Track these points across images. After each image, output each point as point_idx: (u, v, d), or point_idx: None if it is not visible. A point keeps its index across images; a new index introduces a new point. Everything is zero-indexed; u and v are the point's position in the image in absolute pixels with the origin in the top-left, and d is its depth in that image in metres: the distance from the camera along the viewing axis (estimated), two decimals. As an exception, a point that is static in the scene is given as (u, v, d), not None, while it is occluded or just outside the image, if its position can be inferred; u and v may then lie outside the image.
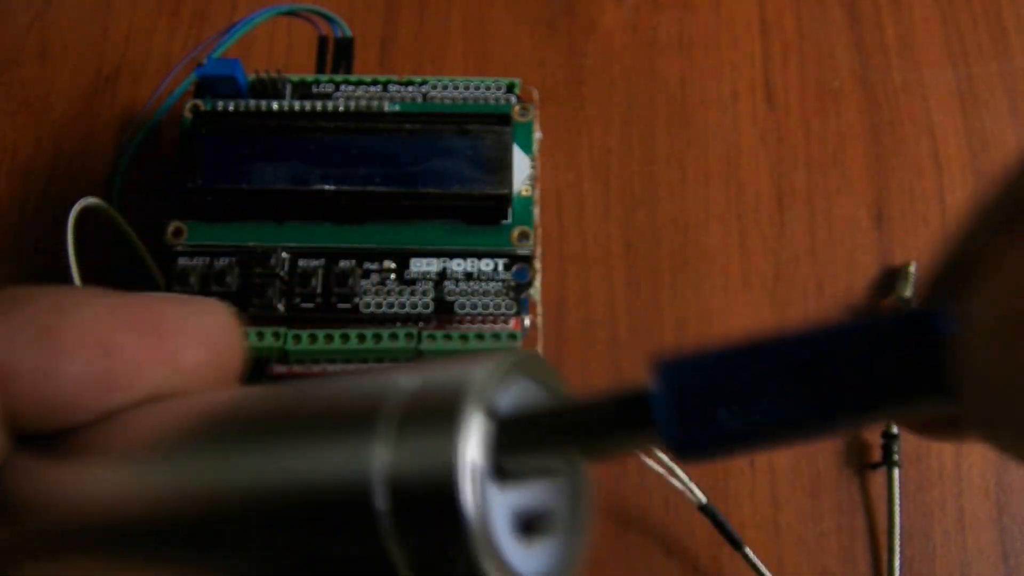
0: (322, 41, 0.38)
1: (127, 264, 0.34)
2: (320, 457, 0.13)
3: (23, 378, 0.13)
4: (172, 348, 0.14)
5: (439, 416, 0.12)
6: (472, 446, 0.12)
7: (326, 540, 0.13)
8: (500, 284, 0.32)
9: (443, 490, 0.12)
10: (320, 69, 0.37)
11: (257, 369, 0.31)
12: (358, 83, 0.35)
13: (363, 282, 0.32)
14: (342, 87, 0.35)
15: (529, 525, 0.13)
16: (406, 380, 0.13)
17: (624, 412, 0.13)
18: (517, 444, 0.13)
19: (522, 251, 0.32)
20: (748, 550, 0.32)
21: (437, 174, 0.32)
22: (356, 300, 0.31)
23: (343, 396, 0.14)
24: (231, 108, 0.34)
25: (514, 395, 0.13)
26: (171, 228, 0.32)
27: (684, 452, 0.13)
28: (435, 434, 0.12)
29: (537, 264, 0.32)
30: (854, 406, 0.12)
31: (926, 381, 0.12)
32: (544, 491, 0.14)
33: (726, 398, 0.12)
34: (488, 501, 0.12)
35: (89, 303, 0.13)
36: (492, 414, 0.13)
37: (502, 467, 0.13)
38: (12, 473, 0.14)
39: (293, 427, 0.14)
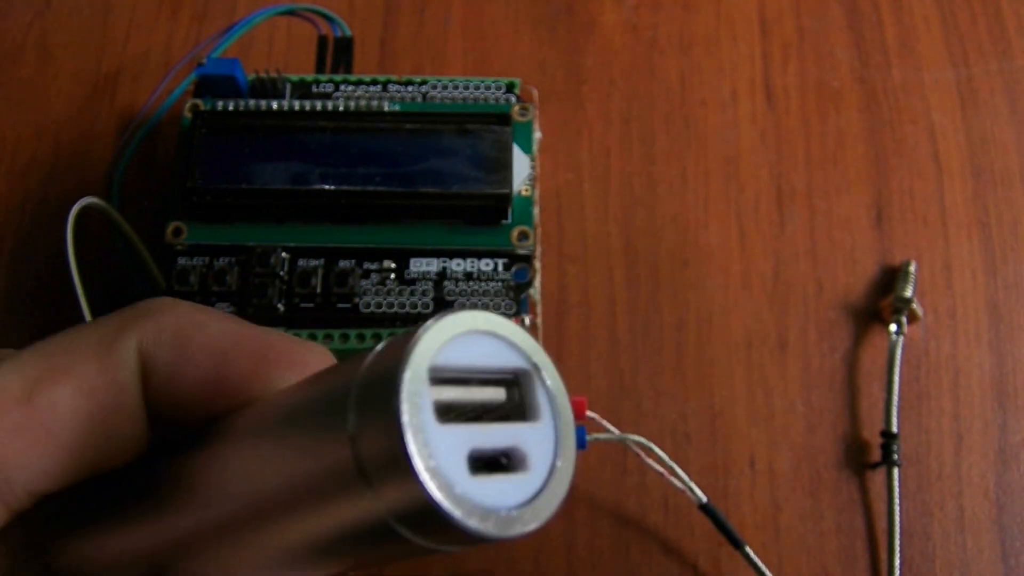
0: (322, 41, 0.38)
1: (127, 264, 0.34)
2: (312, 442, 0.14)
3: (158, 372, 0.16)
4: (271, 372, 0.16)
5: (383, 381, 0.13)
6: (405, 399, 0.13)
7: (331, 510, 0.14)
8: (500, 284, 0.32)
9: (391, 434, 0.13)
10: (320, 69, 0.37)
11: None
12: (358, 83, 0.35)
13: (363, 282, 0.32)
14: (342, 87, 0.35)
15: (502, 463, 0.14)
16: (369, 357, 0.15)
17: None
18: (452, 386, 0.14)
19: (522, 251, 0.32)
20: (748, 549, 0.32)
21: (437, 174, 0.32)
22: (356, 300, 0.31)
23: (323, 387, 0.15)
24: (231, 108, 0.34)
25: (464, 347, 0.15)
26: (171, 228, 0.32)
27: None
28: (379, 395, 0.14)
29: (537, 264, 0.32)
30: None
31: None
32: (516, 432, 0.14)
33: None
34: (432, 440, 0.13)
35: (217, 323, 0.16)
36: (431, 369, 0.14)
37: (450, 408, 0.14)
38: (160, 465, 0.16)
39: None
